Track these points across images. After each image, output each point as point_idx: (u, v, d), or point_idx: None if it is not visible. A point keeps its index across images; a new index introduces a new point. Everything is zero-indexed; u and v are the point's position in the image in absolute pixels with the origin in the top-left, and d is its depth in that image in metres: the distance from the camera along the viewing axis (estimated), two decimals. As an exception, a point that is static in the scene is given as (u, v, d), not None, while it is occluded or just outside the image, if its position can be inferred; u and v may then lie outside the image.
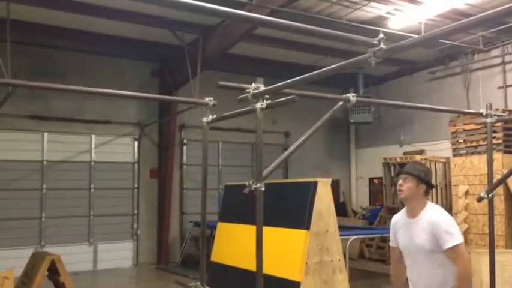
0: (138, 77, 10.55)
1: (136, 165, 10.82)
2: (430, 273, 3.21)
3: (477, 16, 2.10)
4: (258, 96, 3.43)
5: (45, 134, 9.85)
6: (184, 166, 11.30)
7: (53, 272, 6.33)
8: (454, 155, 9.73)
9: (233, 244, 6.66)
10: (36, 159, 9.75)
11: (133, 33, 9.39)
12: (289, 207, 5.97)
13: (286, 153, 4.07)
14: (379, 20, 8.73)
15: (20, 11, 7.94)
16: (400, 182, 3.30)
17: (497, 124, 8.40)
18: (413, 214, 3.26)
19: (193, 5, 2.47)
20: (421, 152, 11.15)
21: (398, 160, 10.60)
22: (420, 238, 3.17)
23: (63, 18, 8.51)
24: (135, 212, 10.74)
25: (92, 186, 10.24)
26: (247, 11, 2.64)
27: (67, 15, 8.31)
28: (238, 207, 6.49)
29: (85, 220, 10.14)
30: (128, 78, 10.12)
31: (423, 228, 3.16)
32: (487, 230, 4.84)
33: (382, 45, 2.22)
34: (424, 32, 7.68)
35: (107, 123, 10.38)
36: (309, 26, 2.69)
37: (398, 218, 3.43)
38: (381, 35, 2.21)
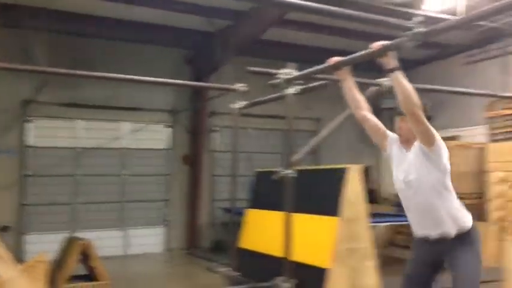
0: (170, 64, 10.59)
1: (168, 151, 10.93)
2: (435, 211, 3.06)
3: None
4: (289, 82, 3.40)
5: (79, 121, 10.05)
6: (215, 153, 11.35)
7: (85, 256, 6.46)
8: (491, 141, 9.47)
9: (262, 231, 6.66)
10: (70, 145, 9.96)
11: (165, 20, 9.42)
12: (319, 193, 5.92)
13: (316, 139, 4.03)
14: (414, 2, 8.47)
15: (56, 1, 8.05)
16: (399, 123, 3.17)
17: (537, 109, 8.14)
18: (410, 147, 3.15)
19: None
20: (456, 138, 10.89)
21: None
22: (417, 166, 3.04)
23: (98, 6, 8.60)
24: (167, 198, 10.87)
25: (124, 172, 10.41)
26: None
27: (101, 3, 8.38)
28: (268, 193, 6.48)
29: (117, 206, 10.33)
30: (159, 66, 10.17)
31: (415, 152, 3.06)
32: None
33: (419, 29, 2.14)
34: (462, 14, 7.44)
35: (139, 110, 10.49)
36: (342, 10, 2.63)
37: (395, 141, 3.27)
38: (419, 18, 2.13)
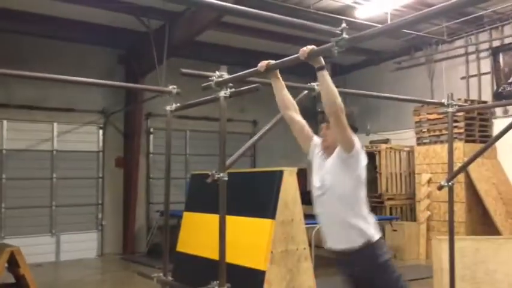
0: (103, 64, 10.31)
1: (101, 154, 10.61)
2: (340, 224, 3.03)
3: (437, 6, 2.11)
4: (221, 85, 3.40)
5: (5, 122, 9.54)
6: (151, 155, 11.16)
7: (13, 264, 6.16)
8: (418, 144, 9.93)
9: (199, 234, 6.62)
10: (-5, 147, 9.46)
11: (98, 18, 9.16)
12: (254, 196, 5.96)
13: (250, 141, 4.06)
14: (347, 10, 8.76)
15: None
16: (323, 130, 3.17)
17: (460, 114, 8.63)
18: (329, 155, 3.12)
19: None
20: (387, 141, 11.33)
21: (365, 149, 10.74)
22: (332, 173, 3.03)
23: (30, 2, 8.24)
24: (100, 201, 10.56)
25: (54, 175, 10.00)
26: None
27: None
28: (204, 196, 6.45)
29: (47, 210, 9.91)
30: (92, 65, 9.87)
31: (333, 158, 3.06)
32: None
33: (344, 35, 2.21)
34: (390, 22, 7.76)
35: (70, 111, 10.12)
36: (274, 15, 2.66)
37: (318, 145, 3.27)
38: (343, 25, 2.20)
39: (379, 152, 10.45)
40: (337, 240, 3.05)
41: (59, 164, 10.06)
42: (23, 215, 9.52)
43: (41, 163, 9.88)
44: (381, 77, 11.72)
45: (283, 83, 3.27)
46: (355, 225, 2.97)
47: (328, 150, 3.13)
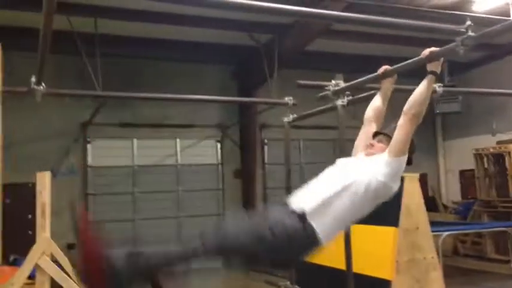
0: (218, 81, 10.77)
1: (220, 166, 11.08)
2: None
3: None
4: (338, 93, 3.39)
5: (135, 140, 10.39)
6: (267, 165, 11.39)
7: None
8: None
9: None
10: (127, 164, 10.31)
11: (209, 37, 9.61)
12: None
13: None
14: (462, 4, 8.24)
15: (106, 25, 8.41)
16: (373, 141, 3.02)
17: None
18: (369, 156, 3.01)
19: (268, 8, 2.47)
20: (516, 141, 10.42)
21: (492, 150, 9.98)
22: (366, 162, 2.93)
23: (143, 28, 8.90)
24: (221, 212, 10.98)
25: (179, 188, 10.64)
26: (323, 8, 2.59)
27: (151, 25, 8.69)
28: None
29: (174, 221, 10.54)
30: (207, 83, 10.37)
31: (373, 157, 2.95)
32: None
33: (470, 33, 2.09)
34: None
35: (190, 127, 10.73)
36: (388, 19, 2.61)
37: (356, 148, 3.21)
38: (468, 22, 2.09)
39: (509, 152, 9.65)
40: (304, 201, 2.75)
41: (183, 177, 10.69)
42: (153, 225, 10.23)
43: (167, 176, 10.58)
44: (506, 73, 10.82)
45: (389, 93, 3.19)
46: (334, 210, 2.73)
47: (368, 155, 3.01)
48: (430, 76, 2.68)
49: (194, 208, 10.63)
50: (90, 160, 10.07)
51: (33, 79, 4.07)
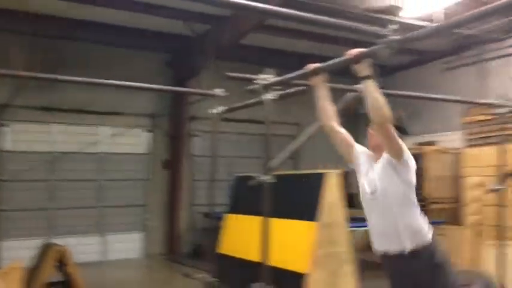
0: (150, 68, 10.52)
1: (148, 156, 10.86)
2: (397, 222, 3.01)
3: (492, 5, 2.04)
4: (267, 87, 3.41)
5: (55, 125, 9.91)
6: (195, 157, 11.31)
7: (62, 263, 6.37)
8: (467, 146, 9.63)
9: (241, 236, 6.66)
10: (46, 150, 9.81)
11: (144, 24, 9.38)
12: (298, 198, 5.94)
13: (295, 144, 4.04)
14: (394, 9, 8.56)
15: (32, 3, 7.95)
16: (370, 132, 3.16)
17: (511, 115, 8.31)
18: (379, 157, 3.12)
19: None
20: (433, 143, 11.04)
21: (411, 151, 10.49)
22: (383, 177, 3.02)
23: (79, 9, 8.52)
24: (146, 203, 10.79)
25: (102, 177, 10.30)
26: (259, 1, 2.60)
27: (82, 6, 8.32)
28: (247, 198, 6.49)
29: (95, 211, 10.21)
30: (139, 70, 10.08)
31: (383, 163, 3.05)
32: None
33: (394, 36, 2.17)
34: (439, 21, 7.56)
35: (118, 114, 10.40)
36: (320, 17, 2.65)
37: (363, 151, 3.28)
38: (394, 26, 2.16)
39: (425, 154, 10.20)
40: (392, 243, 3.03)
41: (107, 166, 10.35)
42: (71, 215, 9.85)
43: (90, 165, 10.20)
44: (428, 78, 11.43)
45: (327, 92, 3.24)
46: (409, 226, 2.97)
47: (376, 151, 3.12)
48: (366, 81, 2.72)
49: (117, 199, 10.35)
50: (7, 144, 9.48)
51: None
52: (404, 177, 2.99)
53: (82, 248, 9.26)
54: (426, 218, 3.11)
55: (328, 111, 3.27)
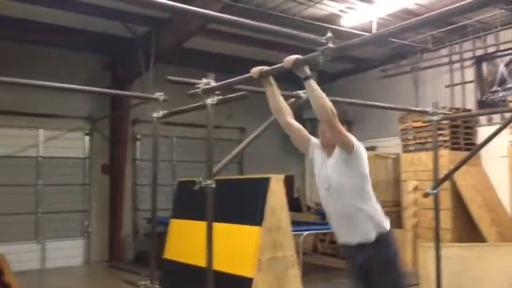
0: (88, 70, 10.24)
1: (87, 160, 10.53)
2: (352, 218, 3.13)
3: (423, 16, 2.14)
4: (208, 92, 3.41)
5: (-10, 127, 9.43)
6: (137, 162, 11.10)
7: (-2, 271, 6.09)
8: (404, 151, 10.00)
9: (185, 241, 6.60)
10: (-21, 154, 9.33)
11: (83, 24, 9.11)
12: (242, 203, 5.96)
13: (237, 148, 4.06)
14: (332, 18, 8.82)
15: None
16: (320, 129, 3.24)
17: (445, 121, 8.71)
18: (331, 152, 3.20)
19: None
20: (373, 148, 11.39)
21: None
22: (337, 171, 3.11)
23: (7, 6, 8.15)
24: (86, 208, 10.47)
25: (39, 182, 9.89)
26: (200, 6, 2.60)
27: (18, 4, 7.98)
28: (191, 203, 6.43)
29: (33, 217, 9.79)
30: (76, 71, 9.79)
31: (335, 157, 3.13)
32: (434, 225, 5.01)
33: (330, 44, 2.23)
34: (376, 31, 7.84)
35: (55, 117, 10.03)
36: (259, 24, 2.68)
37: (318, 146, 3.34)
38: (329, 34, 2.22)
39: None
40: (352, 235, 3.14)
41: (45, 171, 9.95)
42: (8, 222, 9.39)
43: (27, 170, 9.78)
44: (367, 85, 11.80)
45: (277, 89, 3.29)
46: (367, 218, 3.09)
47: (328, 147, 3.20)
48: (306, 82, 2.81)
49: (56, 204, 9.98)
50: None
51: None
52: (358, 170, 3.09)
53: (20, 256, 8.86)
54: (382, 208, 3.21)
55: (283, 107, 3.32)
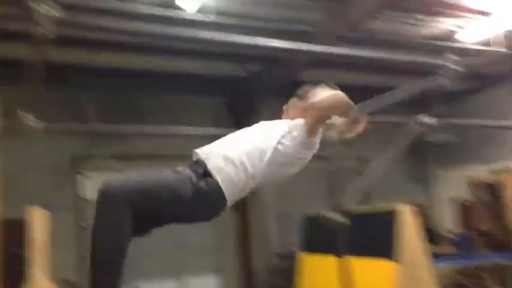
0: (210, 112, 10.70)
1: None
2: None
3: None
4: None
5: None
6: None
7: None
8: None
9: (320, 277, 6.47)
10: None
11: (199, 69, 9.69)
12: (372, 236, 5.75)
13: (363, 179, 3.98)
14: (448, 34, 8.34)
15: (96, 59, 8.48)
16: (289, 109, 3.28)
17: None
18: None
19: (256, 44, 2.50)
20: (510, 170, 10.44)
21: (485, 180, 9.99)
22: None
23: (135, 61, 8.98)
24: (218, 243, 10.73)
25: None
26: (314, 41, 2.63)
27: (137, 58, 8.79)
28: (321, 236, 6.33)
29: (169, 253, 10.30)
30: (200, 114, 10.33)
31: None
32: None
33: (454, 66, 2.14)
34: (499, 45, 7.24)
35: (186, 157, 10.53)
36: (379, 55, 2.66)
37: None
38: (453, 57, 2.14)
39: (503, 182, 9.66)
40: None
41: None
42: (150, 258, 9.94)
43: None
44: (497, 102, 10.90)
45: None
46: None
47: None
48: None
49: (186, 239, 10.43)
50: (86, 193, 9.87)
51: (26, 115, 4.05)
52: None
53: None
54: None
55: None
